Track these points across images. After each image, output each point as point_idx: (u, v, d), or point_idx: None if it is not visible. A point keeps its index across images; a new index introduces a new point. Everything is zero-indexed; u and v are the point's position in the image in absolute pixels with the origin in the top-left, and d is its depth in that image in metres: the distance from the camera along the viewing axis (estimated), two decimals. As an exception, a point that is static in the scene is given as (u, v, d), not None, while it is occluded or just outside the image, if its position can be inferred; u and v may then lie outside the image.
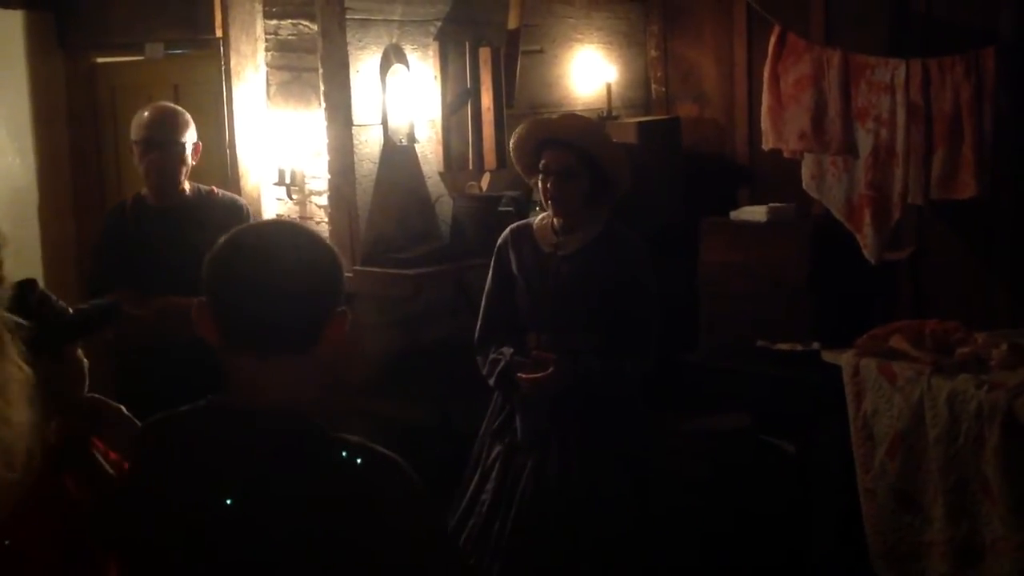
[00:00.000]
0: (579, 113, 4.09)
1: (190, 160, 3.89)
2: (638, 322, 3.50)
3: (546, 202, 3.53)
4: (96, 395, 2.21)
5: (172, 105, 4.00)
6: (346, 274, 1.74)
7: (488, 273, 3.72)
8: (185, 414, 1.71)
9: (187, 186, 3.92)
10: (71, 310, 2.25)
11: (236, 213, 3.89)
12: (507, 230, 3.70)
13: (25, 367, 0.76)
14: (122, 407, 2.26)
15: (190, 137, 3.88)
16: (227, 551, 1.59)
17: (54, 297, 2.25)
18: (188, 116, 3.93)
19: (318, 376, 1.67)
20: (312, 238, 1.69)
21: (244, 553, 1.58)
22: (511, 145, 3.64)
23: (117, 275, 3.79)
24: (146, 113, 3.88)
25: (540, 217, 3.65)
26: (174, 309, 3.45)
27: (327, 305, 1.63)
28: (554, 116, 3.85)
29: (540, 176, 3.51)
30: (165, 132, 3.81)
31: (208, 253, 1.64)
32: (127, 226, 3.91)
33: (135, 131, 3.86)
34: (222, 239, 1.65)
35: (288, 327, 1.60)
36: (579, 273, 3.51)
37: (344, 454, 1.63)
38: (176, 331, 2.86)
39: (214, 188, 4.07)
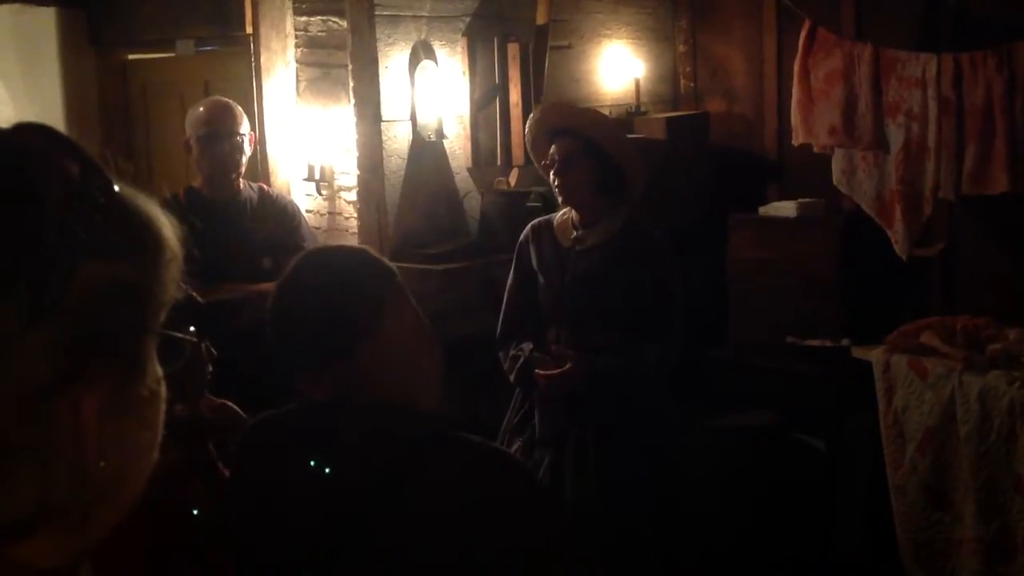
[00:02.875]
0: (595, 108, 4.12)
1: (248, 151, 3.99)
2: (660, 318, 3.47)
3: (555, 192, 3.54)
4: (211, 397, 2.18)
5: (226, 99, 4.08)
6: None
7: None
8: (290, 413, 1.74)
9: (240, 181, 4.01)
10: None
11: (287, 208, 4.08)
12: (528, 226, 3.70)
13: (159, 386, 0.82)
14: (235, 407, 2.23)
15: (247, 128, 3.98)
16: (347, 555, 1.57)
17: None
18: (239, 108, 4.03)
19: (400, 377, 1.69)
20: (335, 262, 1.78)
21: (363, 556, 1.56)
22: (526, 140, 3.66)
23: None
24: (202, 108, 3.96)
25: (561, 213, 3.64)
26: (242, 294, 3.53)
27: (345, 321, 1.67)
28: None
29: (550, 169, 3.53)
30: (228, 125, 3.90)
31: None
32: (184, 218, 3.95)
33: (194, 127, 3.92)
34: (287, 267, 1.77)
35: (303, 347, 1.68)
36: (598, 268, 3.49)
37: (465, 455, 1.63)
38: (234, 316, 3.00)
39: (263, 184, 4.20)
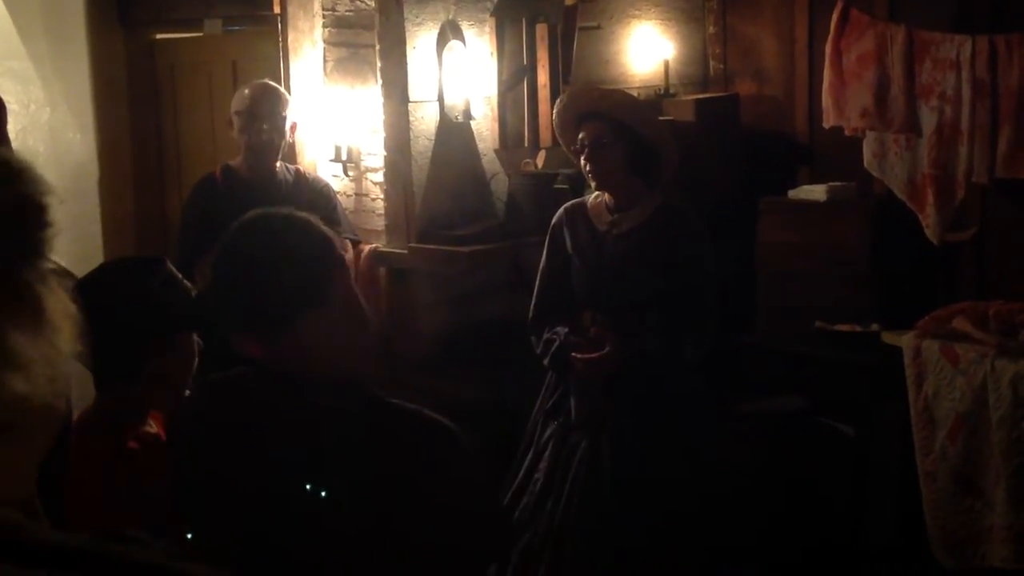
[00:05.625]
0: (623, 89, 4.10)
1: (287, 136, 4.06)
2: (696, 301, 3.46)
3: (587, 177, 3.51)
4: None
5: (272, 83, 4.17)
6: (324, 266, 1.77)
7: (542, 252, 3.70)
8: (234, 378, 1.77)
9: (277, 163, 4.06)
10: (195, 293, 2.23)
11: (322, 191, 4.16)
12: (561, 209, 3.68)
13: (72, 305, 0.89)
14: None
15: (289, 114, 4.03)
16: (282, 511, 1.62)
17: (180, 277, 2.24)
18: (287, 94, 4.13)
19: (342, 347, 1.72)
20: (282, 229, 1.79)
21: (295, 509, 1.62)
22: (554, 125, 3.63)
23: (210, 244, 3.85)
24: (247, 89, 4.06)
25: (594, 195, 3.62)
26: None
27: (294, 290, 1.68)
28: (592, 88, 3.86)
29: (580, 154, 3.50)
30: (267, 106, 3.96)
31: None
32: (219, 196, 4.00)
33: (236, 104, 4.02)
34: (233, 225, 1.77)
35: (247, 312, 1.70)
36: (636, 252, 3.47)
37: (397, 419, 1.70)
38: None
39: (299, 167, 4.27)
